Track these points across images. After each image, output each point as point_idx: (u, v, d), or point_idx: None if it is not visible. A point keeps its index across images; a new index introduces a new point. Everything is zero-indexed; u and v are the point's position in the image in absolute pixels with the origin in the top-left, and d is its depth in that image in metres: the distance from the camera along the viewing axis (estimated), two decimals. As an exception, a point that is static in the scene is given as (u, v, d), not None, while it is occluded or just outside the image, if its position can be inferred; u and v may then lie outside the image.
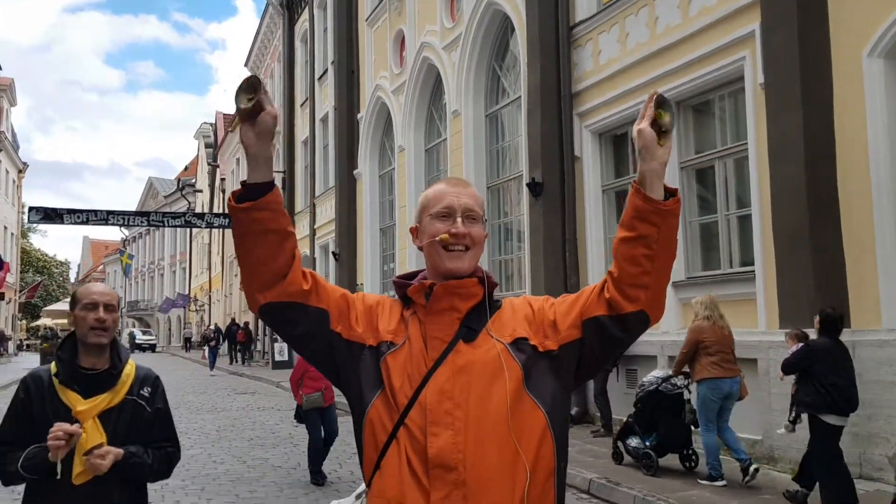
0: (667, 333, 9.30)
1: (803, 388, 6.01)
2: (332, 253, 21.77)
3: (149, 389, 2.69)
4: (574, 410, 10.56)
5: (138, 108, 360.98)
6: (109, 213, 25.34)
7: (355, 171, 20.63)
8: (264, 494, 7.23)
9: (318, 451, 7.81)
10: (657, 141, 1.65)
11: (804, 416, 6.09)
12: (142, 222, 28.29)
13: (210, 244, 48.36)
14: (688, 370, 7.26)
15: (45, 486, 2.51)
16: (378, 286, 19.81)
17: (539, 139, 11.42)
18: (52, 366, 2.64)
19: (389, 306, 1.83)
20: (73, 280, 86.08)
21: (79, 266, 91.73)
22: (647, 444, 7.45)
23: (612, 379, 9.70)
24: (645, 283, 1.67)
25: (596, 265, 10.86)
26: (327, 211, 23.19)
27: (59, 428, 2.41)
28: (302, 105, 26.88)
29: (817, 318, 6.14)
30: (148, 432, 2.66)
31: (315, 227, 24.42)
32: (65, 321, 37.97)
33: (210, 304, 49.11)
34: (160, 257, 65.76)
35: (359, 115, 20.62)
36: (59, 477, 2.45)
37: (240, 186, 1.67)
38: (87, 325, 2.57)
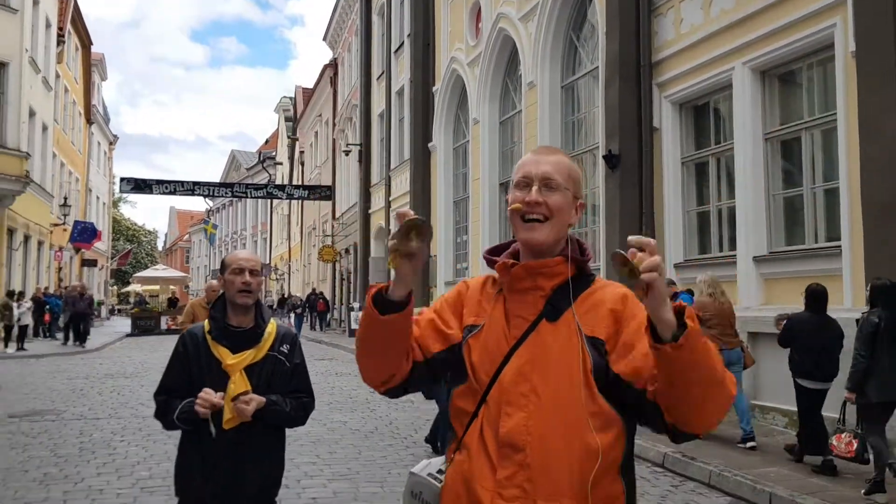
0: (748, 309, 9.12)
1: (788, 356, 6.87)
2: (408, 225, 21.98)
3: (288, 346, 3.00)
4: (648, 385, 10.50)
5: (221, 82, 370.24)
6: (195, 184, 26.37)
7: (430, 144, 20.75)
8: (343, 456, 7.50)
9: (444, 423, 7.49)
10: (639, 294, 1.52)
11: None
12: (226, 193, 29.29)
13: (289, 215, 49.54)
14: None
15: (197, 431, 2.85)
16: (451, 258, 20.00)
17: (616, 110, 11.26)
18: (206, 323, 2.99)
19: (477, 287, 1.86)
20: (160, 248, 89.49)
21: (166, 235, 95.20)
22: None
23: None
24: (666, 404, 1.58)
25: (673, 239, 10.69)
26: (402, 183, 23.44)
27: (206, 400, 2.76)
28: (378, 78, 27.11)
29: (804, 294, 6.91)
30: (286, 384, 2.97)
31: (390, 199, 24.73)
32: (154, 287, 39.73)
33: (289, 274, 50.43)
34: (242, 227, 67.71)
35: (434, 88, 20.68)
36: (213, 436, 2.79)
37: (373, 296, 1.71)
38: (235, 287, 2.90)
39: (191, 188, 26.46)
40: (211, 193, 29.90)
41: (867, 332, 5.80)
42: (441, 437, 7.29)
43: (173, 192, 26.19)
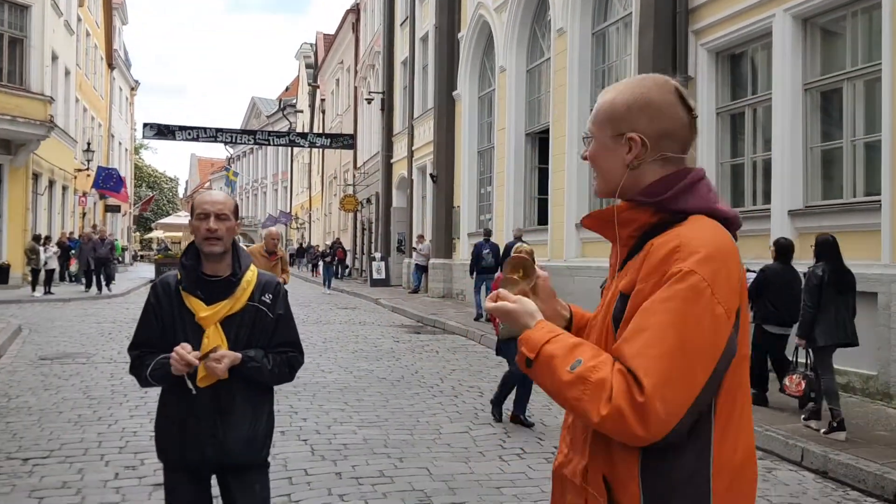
0: (779, 264, 8.98)
1: (756, 305, 7.31)
2: (430, 175, 21.89)
3: (270, 296, 2.74)
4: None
5: (242, 29, 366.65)
6: (218, 130, 26.27)
7: (454, 93, 20.45)
8: (371, 404, 7.55)
9: (512, 385, 6.89)
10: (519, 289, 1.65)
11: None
12: (248, 140, 29.18)
13: (310, 164, 49.48)
14: None
15: (175, 389, 2.66)
16: (475, 209, 19.87)
17: (650, 58, 10.96)
18: (178, 272, 2.73)
19: None
20: (181, 195, 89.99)
21: (187, 182, 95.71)
22: None
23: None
24: None
25: (705, 192, 10.49)
26: (425, 133, 23.21)
27: (181, 358, 2.51)
28: (402, 24, 26.65)
29: (772, 247, 7.58)
30: (270, 337, 2.74)
31: (413, 148, 24.53)
32: (177, 234, 40.06)
33: (310, 223, 50.58)
34: (263, 176, 67.84)
35: (459, 35, 20.29)
36: (193, 392, 2.60)
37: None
38: (201, 235, 2.63)
39: (213, 134, 26.36)
40: (233, 140, 29.81)
41: (813, 284, 6.39)
42: (517, 398, 6.83)
43: (196, 139, 26.09)
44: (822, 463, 5.65)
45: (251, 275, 2.73)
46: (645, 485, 1.44)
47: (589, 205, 13.96)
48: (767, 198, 9.49)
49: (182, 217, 42.10)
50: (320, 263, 29.49)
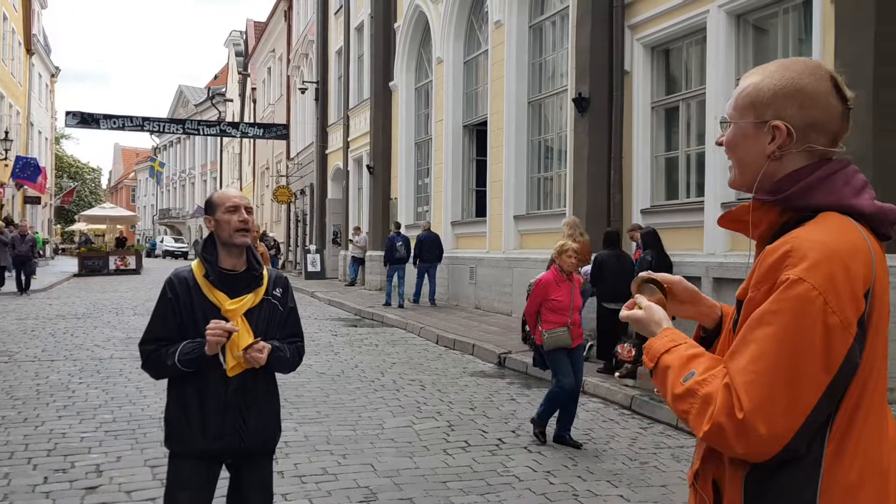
0: (713, 255, 9.22)
1: (598, 287, 8.74)
2: (367, 166, 21.68)
3: (280, 290, 2.90)
4: (611, 329, 10.64)
5: (170, 15, 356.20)
6: (145, 119, 25.42)
7: (391, 83, 20.28)
8: (311, 400, 7.40)
9: (559, 402, 5.98)
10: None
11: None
12: (176, 129, 28.34)
13: (240, 154, 48.43)
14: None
15: (196, 378, 2.75)
16: (413, 200, 19.78)
17: (587, 52, 11.07)
18: (195, 266, 2.82)
19: None
20: (104, 186, 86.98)
21: (110, 173, 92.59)
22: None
23: (652, 299, 9.68)
24: None
25: (642, 184, 10.68)
26: (361, 123, 22.96)
27: (219, 325, 2.63)
28: (336, 13, 26.26)
29: (603, 237, 9.05)
30: (281, 329, 2.89)
31: (349, 139, 24.24)
32: (100, 226, 38.63)
33: (241, 214, 49.45)
34: (191, 166, 66.11)
35: (396, 25, 20.12)
36: (226, 369, 2.70)
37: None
38: (233, 227, 2.74)
39: (140, 123, 25.48)
40: (161, 129, 28.94)
41: (644, 268, 7.55)
42: (561, 417, 6.03)
43: (121, 128, 25.18)
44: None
45: (264, 270, 2.88)
46: (747, 494, 1.40)
47: (527, 198, 14.05)
48: (701, 191, 9.71)
49: (107, 209, 40.62)
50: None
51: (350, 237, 22.92)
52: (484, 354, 10.16)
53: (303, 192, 30.92)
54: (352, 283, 21.99)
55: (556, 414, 6.06)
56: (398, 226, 17.31)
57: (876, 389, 1.39)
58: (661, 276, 1.67)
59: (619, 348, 7.70)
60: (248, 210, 2.80)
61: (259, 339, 2.72)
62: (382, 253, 17.08)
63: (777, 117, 1.43)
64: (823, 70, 1.45)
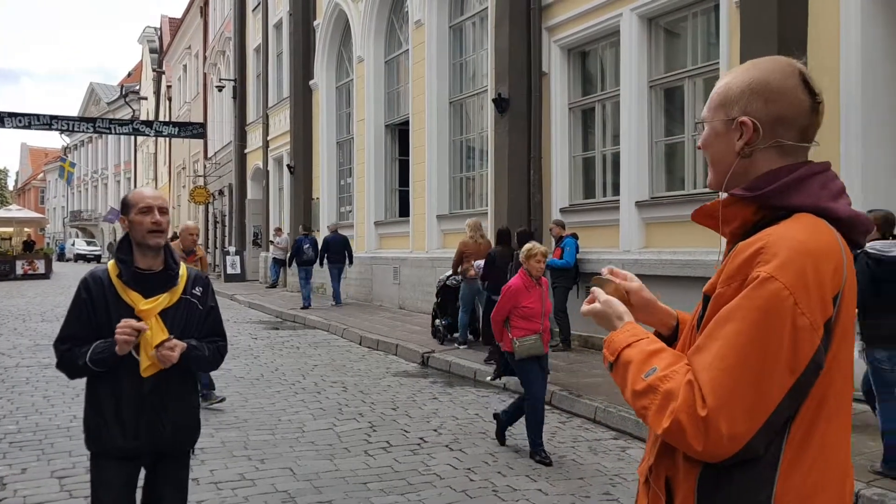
0: (628, 252, 9.45)
1: (489, 280, 9.18)
2: (287, 166, 21.34)
3: (200, 289, 2.90)
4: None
5: (81, 11, 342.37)
6: (53, 117, 24.30)
7: (311, 82, 20.03)
8: (228, 405, 7.22)
9: (538, 412, 5.63)
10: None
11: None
12: (87, 128, 27.20)
13: (156, 153, 46.97)
14: (460, 271, 10.22)
15: (111, 378, 2.73)
16: (335, 200, 19.58)
17: (506, 53, 11.18)
18: (110, 266, 2.79)
19: None
20: (11, 188, 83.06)
21: (17, 174, 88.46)
22: (444, 322, 10.59)
23: (571, 296, 9.86)
24: None
25: (560, 183, 10.86)
26: (281, 122, 22.58)
27: (128, 324, 2.62)
28: (254, 10, 25.76)
29: (496, 233, 9.69)
30: (201, 328, 2.89)
31: (269, 138, 23.81)
32: (6, 229, 36.79)
33: (157, 216, 48.00)
34: (103, 166, 63.71)
35: (315, 23, 19.87)
36: (142, 368, 2.69)
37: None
38: (145, 228, 2.73)
39: (48, 122, 24.34)
40: (70, 128, 27.73)
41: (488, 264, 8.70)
42: (529, 428, 5.65)
43: (28, 126, 24.01)
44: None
45: (183, 269, 2.87)
46: (700, 494, 1.37)
47: (449, 197, 14.10)
48: (617, 190, 9.94)
49: (13, 211, 38.67)
50: None
51: (271, 238, 22.50)
52: (407, 354, 10.14)
53: (221, 192, 30.20)
54: (273, 286, 21.61)
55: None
56: (307, 228, 17.37)
57: (840, 394, 1.37)
58: (623, 280, 1.64)
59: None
60: (163, 211, 2.78)
61: (171, 337, 2.71)
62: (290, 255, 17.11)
63: (744, 113, 1.43)
64: (792, 66, 1.44)
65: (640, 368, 1.39)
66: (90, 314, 2.75)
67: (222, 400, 7.07)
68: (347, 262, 15.65)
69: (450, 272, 10.63)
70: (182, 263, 2.91)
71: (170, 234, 2.94)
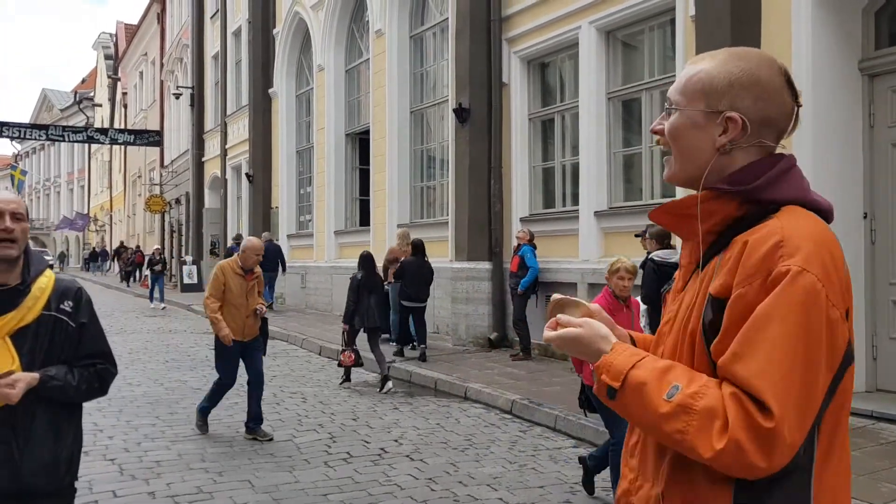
0: (587, 261, 9.54)
1: (400, 286, 10.24)
2: (246, 174, 21.11)
3: (70, 303, 2.45)
4: (493, 335, 10.79)
5: (33, 15, 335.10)
6: (3, 124, 23.72)
7: (271, 90, 19.88)
8: (185, 417, 7.10)
9: (610, 462, 4.87)
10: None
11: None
12: (39, 136, 26.60)
13: (111, 161, 46.14)
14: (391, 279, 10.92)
15: None
16: (294, 209, 19.43)
17: (467, 63, 11.24)
18: None
19: None
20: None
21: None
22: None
23: (531, 305, 9.91)
24: None
25: (521, 193, 10.93)
26: (240, 130, 22.35)
27: None
28: (212, 17, 25.49)
29: (410, 245, 10.49)
30: (74, 349, 2.46)
31: (227, 146, 23.53)
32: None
33: (111, 225, 47.16)
34: (56, 174, 62.38)
35: (275, 31, 19.75)
36: None
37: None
38: None
39: (-3, 128, 23.78)
40: (21, 135, 27.07)
41: (353, 285, 8.60)
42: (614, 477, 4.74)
43: (-25, 132, 23.42)
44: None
45: (46, 281, 2.42)
46: None
47: (410, 206, 14.08)
48: (576, 200, 10.04)
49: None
50: (141, 271, 26.25)
51: (229, 247, 22.19)
52: (369, 364, 10.06)
53: (178, 200, 29.74)
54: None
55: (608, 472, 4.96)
56: (238, 237, 18.29)
57: (848, 390, 1.31)
58: (579, 302, 1.49)
59: (341, 357, 8.61)
60: (16, 217, 2.34)
61: (10, 370, 2.26)
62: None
63: (732, 108, 1.33)
64: (778, 64, 1.36)
65: (659, 389, 1.24)
66: None
67: (270, 439, 6.32)
68: (281, 270, 16.30)
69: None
70: (48, 273, 2.47)
71: (23, 247, 2.41)
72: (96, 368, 2.51)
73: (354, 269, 9.13)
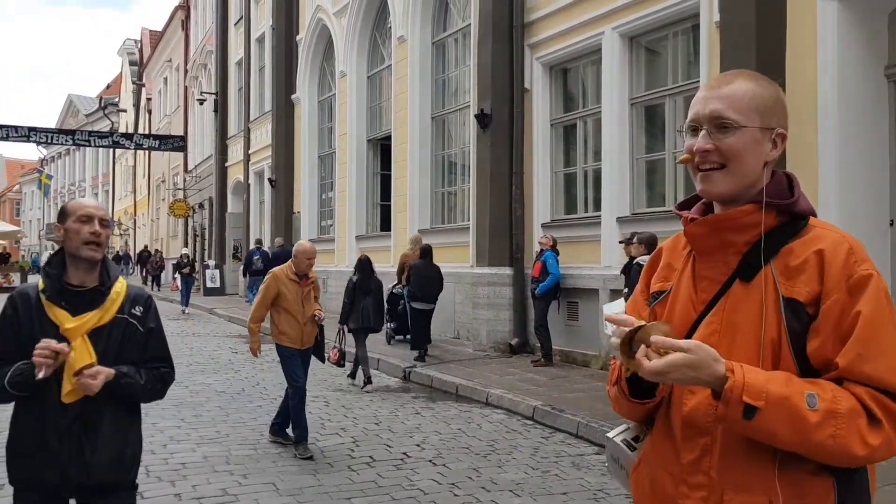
0: (609, 268, 9.51)
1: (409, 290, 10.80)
2: (269, 179, 21.28)
3: (140, 308, 2.62)
4: (514, 341, 10.79)
5: (59, 22, 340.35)
6: (31, 129, 24.11)
7: (293, 96, 20.03)
8: (210, 419, 7.18)
9: None
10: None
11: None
12: (66, 140, 27.00)
13: (135, 166, 46.64)
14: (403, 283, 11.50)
15: (34, 403, 2.48)
16: (316, 214, 19.54)
17: (489, 69, 11.27)
18: (40, 281, 2.56)
19: (669, 247, 1.64)
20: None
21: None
22: (392, 326, 12.12)
23: (552, 311, 9.90)
24: None
25: (542, 199, 10.93)
26: (263, 136, 22.54)
27: (46, 345, 2.34)
28: (236, 24, 25.75)
29: (419, 251, 11.13)
30: (140, 352, 2.62)
31: (250, 152, 23.75)
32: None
33: (135, 229, 47.67)
34: (81, 178, 63.13)
35: (298, 37, 19.91)
36: (63, 394, 2.43)
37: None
38: (82, 238, 2.48)
39: (26, 133, 24.15)
40: (49, 140, 27.50)
41: (349, 287, 9.05)
42: None
43: (5, 138, 23.80)
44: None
45: (120, 286, 2.61)
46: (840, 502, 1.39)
47: (431, 212, 14.11)
48: (598, 205, 10.02)
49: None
50: (176, 276, 25.89)
51: (250, 251, 22.35)
52: (389, 369, 10.12)
53: (201, 205, 30.02)
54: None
55: None
56: (259, 242, 19.88)
57: None
58: (655, 324, 1.40)
59: (330, 354, 8.56)
60: (104, 223, 2.53)
61: (92, 363, 2.42)
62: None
63: (781, 126, 1.47)
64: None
65: (801, 400, 1.30)
66: (14, 332, 2.48)
67: (309, 457, 5.94)
68: None
69: (395, 282, 12.18)
70: (122, 280, 2.64)
71: (107, 251, 2.63)
72: (160, 371, 2.68)
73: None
